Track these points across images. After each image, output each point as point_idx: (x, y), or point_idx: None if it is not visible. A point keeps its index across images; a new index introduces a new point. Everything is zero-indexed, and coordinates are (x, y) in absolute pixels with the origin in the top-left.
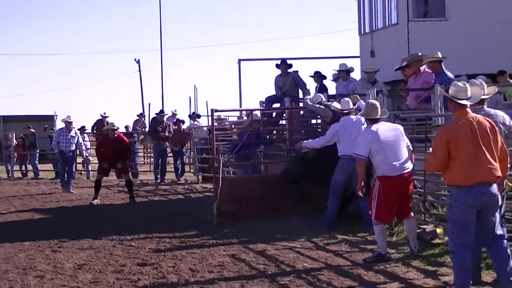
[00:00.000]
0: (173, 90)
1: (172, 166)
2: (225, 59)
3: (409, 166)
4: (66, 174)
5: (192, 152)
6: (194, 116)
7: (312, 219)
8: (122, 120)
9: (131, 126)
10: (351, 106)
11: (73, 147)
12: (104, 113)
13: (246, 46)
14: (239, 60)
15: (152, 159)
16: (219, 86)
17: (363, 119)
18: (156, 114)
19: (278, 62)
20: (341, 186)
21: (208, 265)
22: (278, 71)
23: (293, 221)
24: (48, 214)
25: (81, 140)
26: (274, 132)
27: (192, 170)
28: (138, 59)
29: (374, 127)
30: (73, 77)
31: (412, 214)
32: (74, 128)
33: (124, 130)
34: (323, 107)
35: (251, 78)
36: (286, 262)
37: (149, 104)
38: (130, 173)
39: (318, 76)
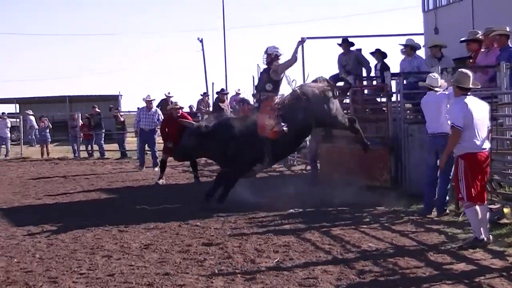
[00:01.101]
0: (236, 69)
1: None
2: (288, 37)
3: (489, 145)
4: (145, 153)
5: None
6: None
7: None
8: (186, 99)
9: (195, 105)
10: (439, 83)
11: (153, 126)
12: (168, 93)
13: (309, 24)
14: (302, 39)
15: None
16: None
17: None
18: (217, 93)
19: (340, 40)
20: (433, 167)
21: (273, 245)
22: (341, 50)
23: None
24: (114, 193)
25: (161, 119)
26: None
27: None
28: (201, 38)
29: (466, 99)
30: (137, 57)
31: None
32: (153, 107)
33: (188, 110)
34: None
35: (314, 57)
36: (352, 242)
37: (213, 83)
38: None
39: (379, 53)
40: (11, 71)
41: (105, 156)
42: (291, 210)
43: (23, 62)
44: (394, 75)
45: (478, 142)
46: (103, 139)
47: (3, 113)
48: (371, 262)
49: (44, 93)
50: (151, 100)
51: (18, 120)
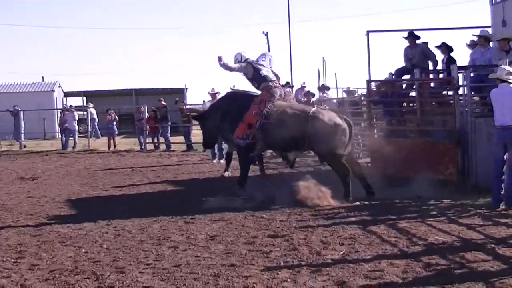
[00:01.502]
0: (302, 63)
1: None
2: (353, 31)
3: None
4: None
5: None
6: (323, 88)
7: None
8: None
9: None
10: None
11: None
12: (234, 86)
13: (374, 18)
14: (368, 32)
15: None
16: (347, 58)
17: None
18: (282, 86)
19: (406, 34)
20: (500, 160)
21: (339, 237)
22: (407, 43)
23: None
24: (180, 185)
25: None
26: (404, 104)
27: None
28: (266, 32)
29: None
30: (202, 50)
31: None
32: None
33: None
34: (243, 64)
35: (379, 50)
36: (418, 235)
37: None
38: None
39: (445, 47)
40: (79, 64)
41: (171, 149)
42: (357, 203)
43: (91, 55)
44: (460, 68)
45: None
46: (169, 131)
47: (70, 106)
48: (437, 255)
49: (111, 86)
50: (216, 93)
51: (85, 113)
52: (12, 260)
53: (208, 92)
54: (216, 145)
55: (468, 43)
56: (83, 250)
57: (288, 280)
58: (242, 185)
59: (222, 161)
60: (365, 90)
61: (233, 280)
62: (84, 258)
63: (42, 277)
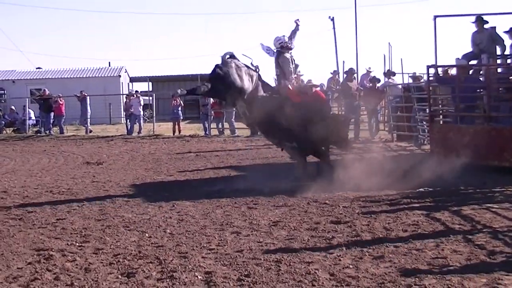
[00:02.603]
0: (368, 48)
1: (367, 124)
2: (420, 16)
3: None
4: None
5: (386, 110)
6: (388, 73)
7: None
8: (316, 78)
9: (325, 84)
10: None
11: None
12: (298, 71)
13: (441, 2)
14: (435, 17)
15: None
16: (413, 44)
17: None
18: (345, 72)
19: (474, 18)
20: None
21: (402, 224)
22: (475, 28)
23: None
24: (244, 171)
25: None
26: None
27: (386, 129)
28: (333, 17)
29: None
30: (266, 35)
31: None
32: None
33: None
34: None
35: (446, 35)
36: (482, 222)
37: (343, 62)
38: None
39: None
40: (144, 50)
41: (236, 134)
42: (420, 189)
43: (156, 41)
44: None
45: None
46: (234, 117)
47: (136, 91)
48: (502, 242)
49: (176, 72)
50: None
51: (151, 98)
52: (77, 244)
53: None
54: None
55: None
56: (147, 234)
57: (351, 266)
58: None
59: None
60: (428, 75)
61: (295, 266)
62: (148, 242)
63: (106, 261)
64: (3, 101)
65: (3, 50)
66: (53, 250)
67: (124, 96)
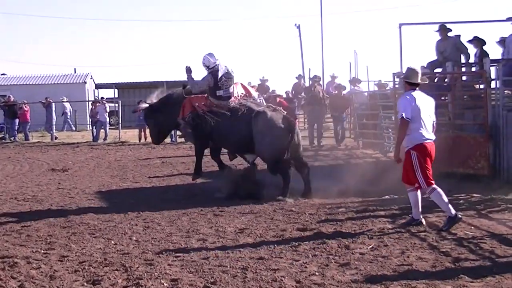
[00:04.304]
0: (333, 55)
1: (332, 132)
2: (386, 24)
3: (434, 137)
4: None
5: (352, 118)
6: (354, 81)
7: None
8: (282, 84)
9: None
10: None
11: None
12: (263, 77)
13: (406, 10)
14: (400, 25)
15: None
16: (379, 51)
17: None
18: (310, 79)
19: (437, 27)
20: None
21: (368, 231)
22: (439, 36)
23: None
24: (208, 178)
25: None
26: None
27: (352, 136)
28: (299, 24)
29: (414, 93)
30: (233, 42)
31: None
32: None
33: (284, 95)
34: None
35: (412, 43)
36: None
37: (309, 69)
38: None
39: (477, 41)
40: (110, 56)
41: None
42: (386, 196)
43: (121, 47)
44: (493, 61)
45: (427, 133)
46: None
47: (102, 98)
48: (467, 249)
49: (142, 78)
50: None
51: (116, 105)
52: (42, 251)
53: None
54: None
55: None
56: (113, 242)
57: (317, 273)
58: (197, 175)
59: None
60: (394, 83)
61: (262, 273)
62: (113, 250)
63: (72, 268)
64: None
65: None
66: (17, 257)
67: (90, 102)
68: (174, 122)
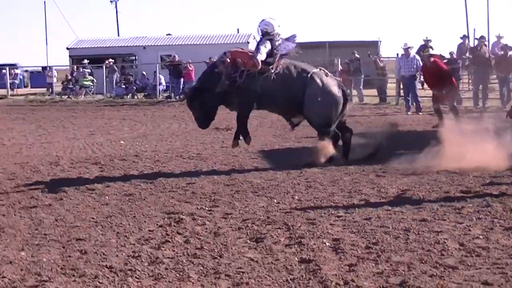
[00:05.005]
0: (501, 14)
1: (498, 93)
2: None
3: None
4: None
5: None
6: None
7: None
8: (445, 45)
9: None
10: None
11: (413, 72)
12: (426, 37)
13: None
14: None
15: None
16: None
17: None
18: (475, 39)
19: None
20: None
21: None
22: None
23: None
24: (371, 138)
25: (419, 65)
26: None
27: None
28: None
29: None
30: (396, 3)
31: None
32: (411, 53)
33: (449, 56)
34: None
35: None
36: None
37: (474, 29)
38: (454, 100)
39: None
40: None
41: (364, 101)
42: None
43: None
44: None
45: None
46: (362, 84)
47: None
48: None
49: (304, 39)
50: (408, 48)
51: None
52: (207, 208)
53: (401, 47)
54: (411, 97)
55: None
56: (275, 200)
57: (481, 237)
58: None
59: (420, 113)
60: None
61: (424, 235)
62: (276, 208)
63: (235, 226)
64: (134, 67)
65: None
66: (183, 213)
67: None
68: (219, 95)
